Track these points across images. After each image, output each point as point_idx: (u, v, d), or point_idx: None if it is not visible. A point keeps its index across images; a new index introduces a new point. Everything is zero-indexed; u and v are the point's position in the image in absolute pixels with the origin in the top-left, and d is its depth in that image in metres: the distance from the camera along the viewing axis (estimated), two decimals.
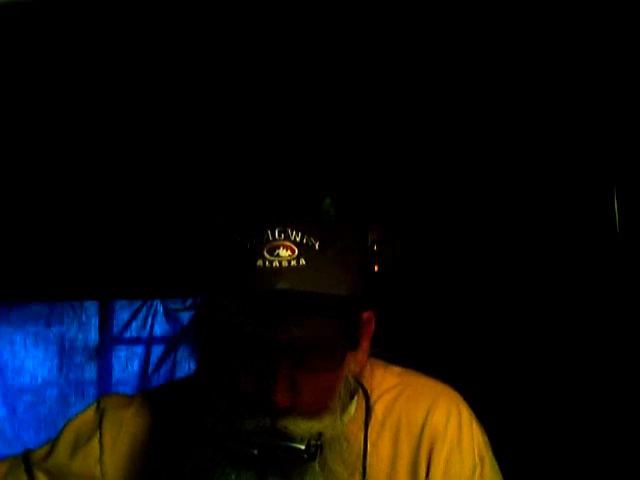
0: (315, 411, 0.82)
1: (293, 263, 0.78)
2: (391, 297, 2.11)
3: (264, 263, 0.78)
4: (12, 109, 2.35)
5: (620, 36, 1.97)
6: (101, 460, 0.96)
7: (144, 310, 3.13)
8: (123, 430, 0.97)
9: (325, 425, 0.83)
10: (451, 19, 2.07)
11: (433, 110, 2.23)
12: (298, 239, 0.80)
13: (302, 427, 0.81)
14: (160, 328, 3.11)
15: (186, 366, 2.82)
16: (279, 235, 0.79)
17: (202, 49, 2.21)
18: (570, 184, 2.12)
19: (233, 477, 0.81)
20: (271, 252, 0.79)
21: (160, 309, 3.11)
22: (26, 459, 0.99)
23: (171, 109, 2.35)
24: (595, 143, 2.09)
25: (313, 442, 0.81)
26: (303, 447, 0.80)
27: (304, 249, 0.79)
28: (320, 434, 0.82)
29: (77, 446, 0.98)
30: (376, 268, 2.17)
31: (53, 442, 1.00)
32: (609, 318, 2.02)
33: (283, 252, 0.79)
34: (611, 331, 2.02)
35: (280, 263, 0.78)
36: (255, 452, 0.79)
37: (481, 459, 0.93)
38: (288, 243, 0.79)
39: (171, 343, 3.04)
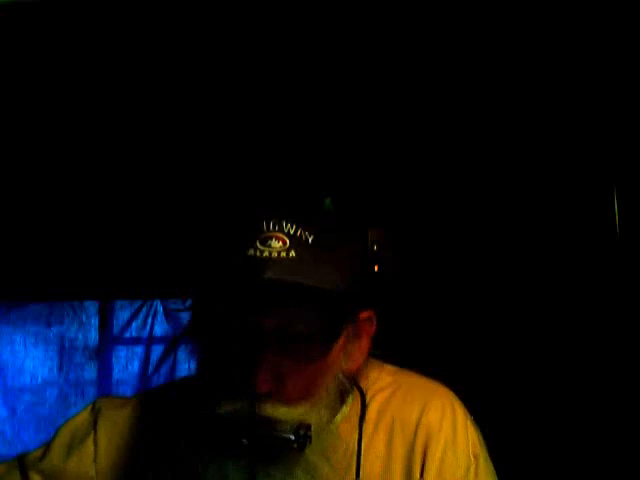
0: (295, 399, 0.82)
1: (283, 254, 0.80)
2: (391, 297, 2.11)
3: (255, 253, 0.80)
4: (12, 109, 2.35)
5: (620, 36, 1.98)
6: (96, 460, 0.96)
7: (144, 310, 3.13)
8: (118, 431, 0.97)
9: (304, 412, 0.82)
10: (450, 20, 2.07)
11: (434, 112, 2.23)
12: (292, 232, 0.81)
13: (281, 412, 0.81)
14: (160, 328, 3.12)
15: (186, 366, 2.82)
16: (273, 227, 0.81)
17: (202, 48, 2.21)
18: (570, 184, 2.12)
19: (222, 468, 0.81)
20: (263, 242, 0.80)
21: (160, 309, 3.11)
22: (21, 461, 0.99)
23: (172, 109, 2.35)
24: (595, 143, 2.09)
25: (302, 432, 0.81)
26: (292, 437, 0.80)
27: (296, 241, 0.81)
28: (309, 426, 0.81)
29: (72, 447, 0.98)
30: (376, 268, 2.17)
31: (48, 444, 1.00)
32: (609, 319, 2.02)
33: (275, 243, 0.80)
34: (611, 332, 2.02)
35: (270, 253, 0.80)
36: (245, 442, 0.79)
37: (476, 457, 0.92)
38: (281, 235, 0.81)
39: (171, 343, 3.04)
